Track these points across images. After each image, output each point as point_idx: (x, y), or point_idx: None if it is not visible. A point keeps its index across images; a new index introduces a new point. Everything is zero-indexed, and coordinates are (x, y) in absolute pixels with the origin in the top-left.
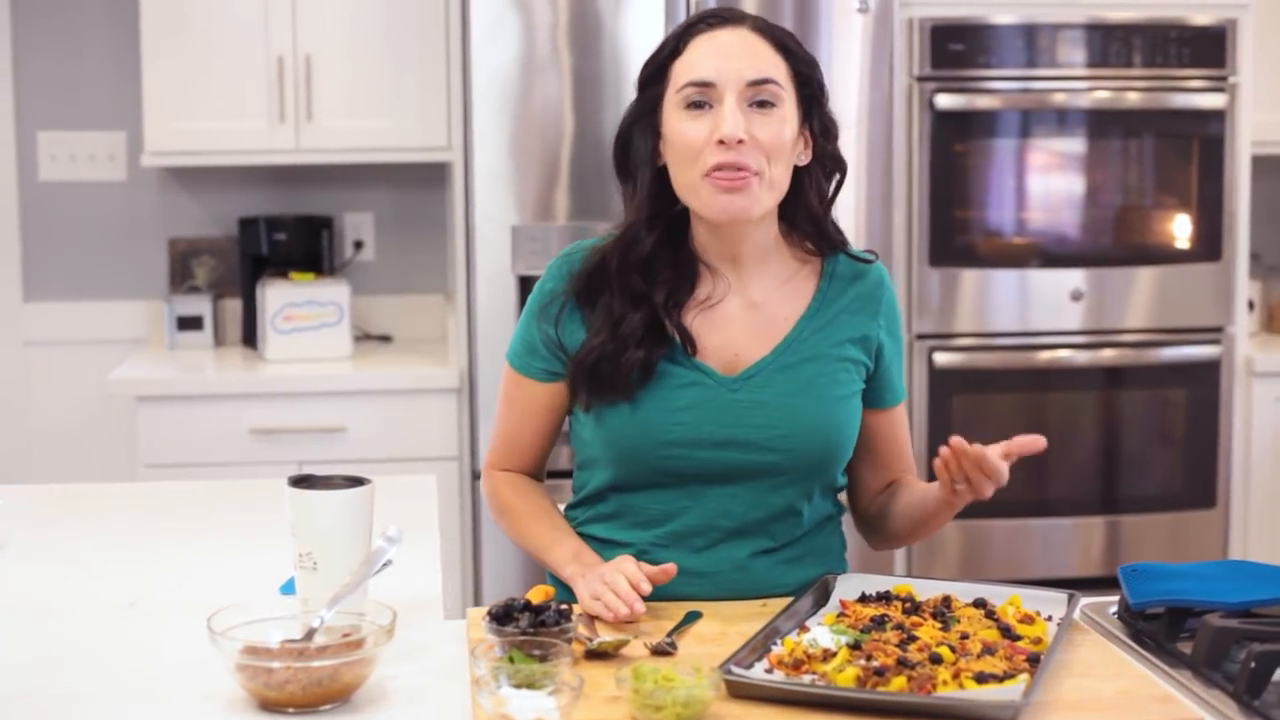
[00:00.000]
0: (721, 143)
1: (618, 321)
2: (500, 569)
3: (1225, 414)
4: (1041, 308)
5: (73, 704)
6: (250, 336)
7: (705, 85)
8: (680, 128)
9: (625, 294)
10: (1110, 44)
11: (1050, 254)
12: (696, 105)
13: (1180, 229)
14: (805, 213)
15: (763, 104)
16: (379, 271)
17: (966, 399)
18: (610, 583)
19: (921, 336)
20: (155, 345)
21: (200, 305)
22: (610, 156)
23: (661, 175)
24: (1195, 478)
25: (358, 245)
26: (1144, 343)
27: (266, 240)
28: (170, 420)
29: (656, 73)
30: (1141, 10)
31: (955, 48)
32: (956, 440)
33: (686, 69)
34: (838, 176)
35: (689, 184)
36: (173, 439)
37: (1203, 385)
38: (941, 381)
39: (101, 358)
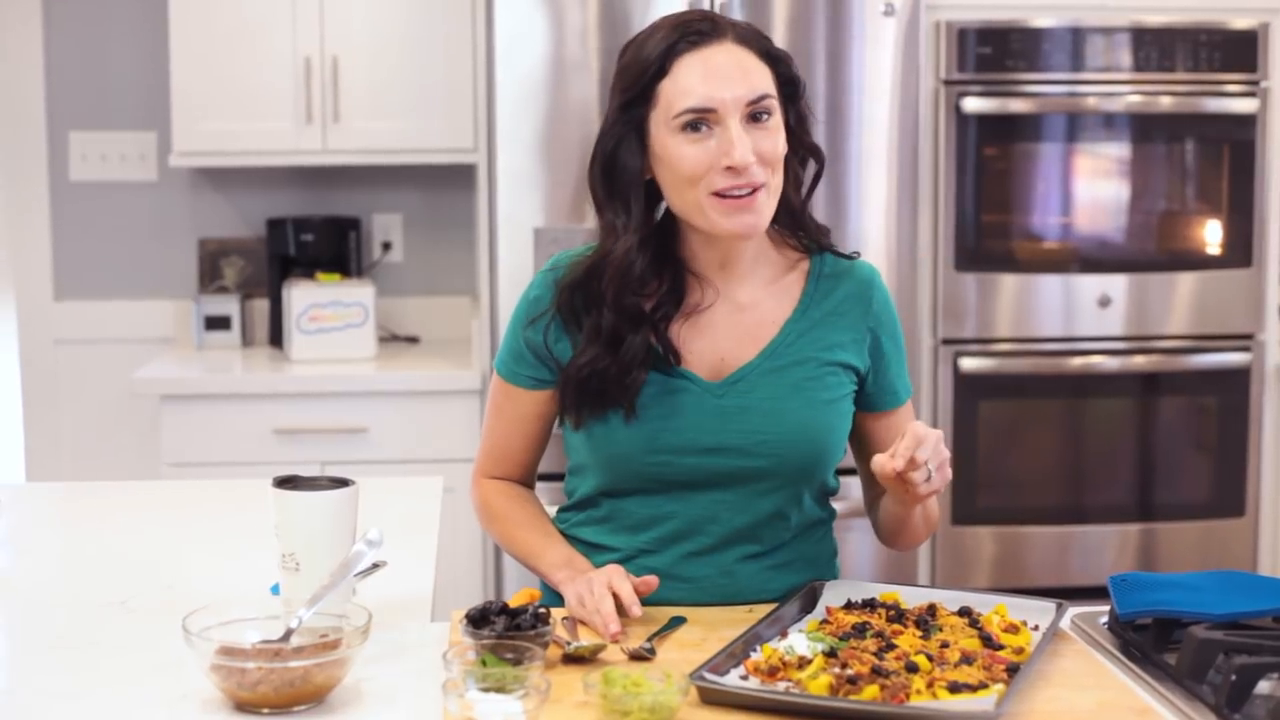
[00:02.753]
0: (730, 168)
1: (613, 341)
2: (522, 568)
3: (1255, 422)
4: (1069, 313)
5: (50, 700)
6: (277, 337)
7: (706, 112)
8: (680, 152)
9: (624, 316)
10: (1140, 48)
11: (1078, 259)
12: (694, 128)
13: (1211, 234)
14: (784, 205)
15: (757, 117)
16: (407, 272)
17: (993, 405)
18: (597, 598)
19: (948, 341)
20: (183, 345)
21: (228, 305)
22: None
23: (648, 191)
24: (1225, 486)
25: (386, 246)
26: (1173, 349)
27: (294, 241)
28: (194, 420)
29: (641, 94)
30: (1172, 14)
31: (983, 51)
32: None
33: (681, 94)
34: (816, 167)
35: (692, 204)
36: (196, 438)
37: (1233, 393)
38: (967, 387)
39: (131, 357)
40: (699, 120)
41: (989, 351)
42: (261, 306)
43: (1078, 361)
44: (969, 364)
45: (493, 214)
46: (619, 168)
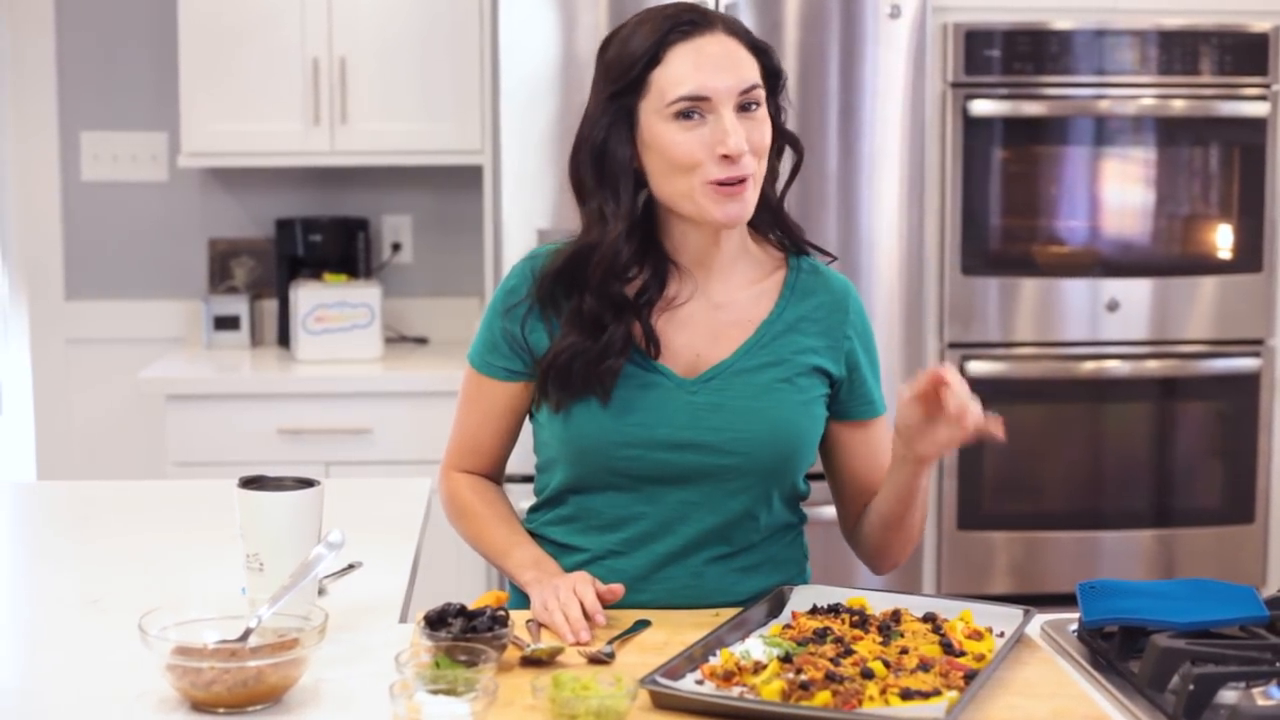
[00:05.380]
0: (725, 157)
1: (595, 328)
2: None
3: (1265, 428)
4: (1076, 318)
5: (6, 699)
6: (286, 337)
7: (700, 99)
8: (673, 139)
9: (606, 303)
10: (1150, 51)
11: (1086, 263)
12: (687, 116)
13: (1222, 239)
14: (763, 200)
15: (747, 107)
16: (417, 273)
17: (999, 409)
18: (564, 603)
19: (954, 345)
20: (193, 344)
21: (237, 305)
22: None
23: (636, 180)
24: (1235, 492)
25: (396, 247)
26: (1181, 354)
27: (303, 241)
28: (199, 419)
29: (632, 84)
30: (1182, 17)
31: (990, 54)
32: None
33: (674, 82)
34: (795, 159)
35: (683, 192)
36: (201, 438)
37: (1243, 398)
38: (974, 391)
39: (141, 356)
40: (692, 108)
41: (996, 355)
42: (271, 307)
43: (1086, 366)
44: (976, 368)
45: (498, 215)
46: (609, 156)
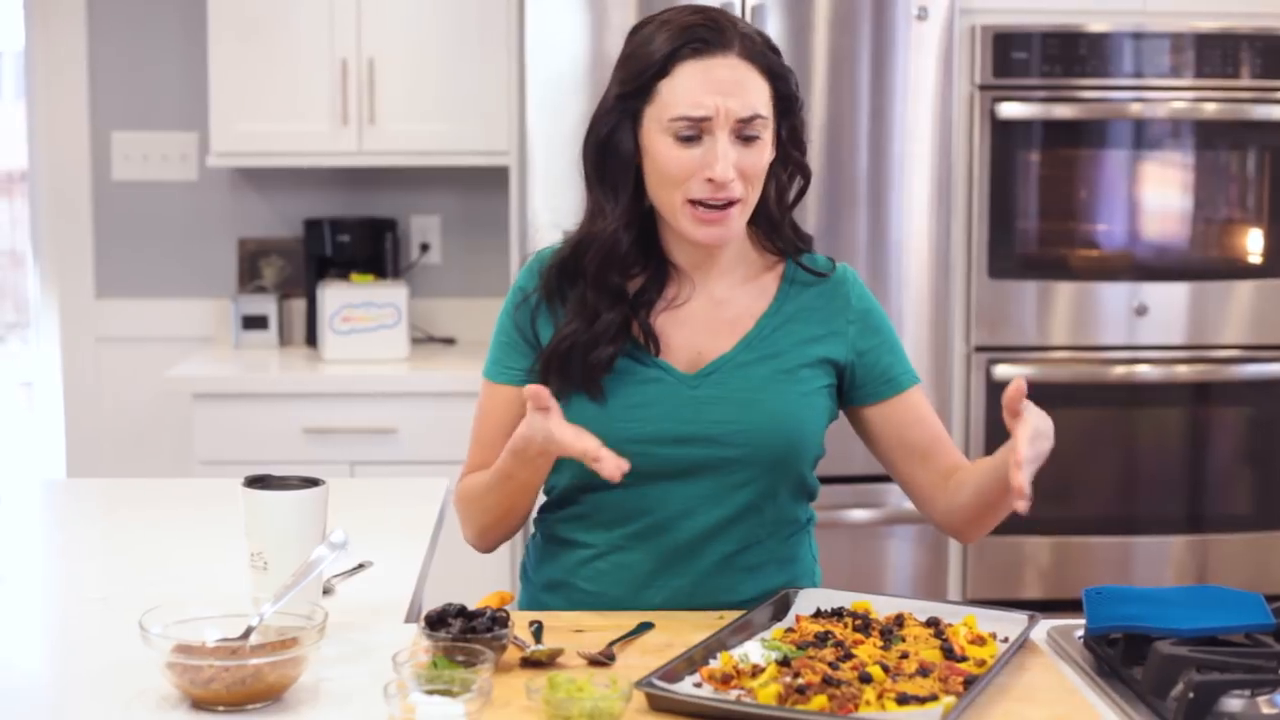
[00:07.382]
0: (710, 180)
1: (592, 316)
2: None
3: None
4: (1104, 322)
5: (7, 696)
6: (314, 337)
7: (698, 121)
8: (667, 154)
9: (603, 292)
10: (1179, 53)
11: (1114, 267)
12: (684, 134)
13: (1252, 243)
14: (763, 212)
15: (748, 137)
16: (445, 274)
17: None
18: (576, 434)
19: (981, 349)
20: (222, 344)
21: (265, 305)
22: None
23: (637, 176)
24: (1268, 498)
25: (424, 248)
26: (1212, 359)
27: (331, 241)
28: (225, 418)
29: (640, 88)
30: (1219, 20)
31: (1018, 56)
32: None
33: (677, 99)
34: (802, 183)
35: (670, 205)
36: (227, 436)
37: (1276, 404)
38: (1001, 394)
39: (170, 355)
40: (690, 128)
41: (1027, 359)
42: (299, 306)
43: (1118, 370)
44: (1003, 371)
45: (525, 216)
46: (611, 153)
